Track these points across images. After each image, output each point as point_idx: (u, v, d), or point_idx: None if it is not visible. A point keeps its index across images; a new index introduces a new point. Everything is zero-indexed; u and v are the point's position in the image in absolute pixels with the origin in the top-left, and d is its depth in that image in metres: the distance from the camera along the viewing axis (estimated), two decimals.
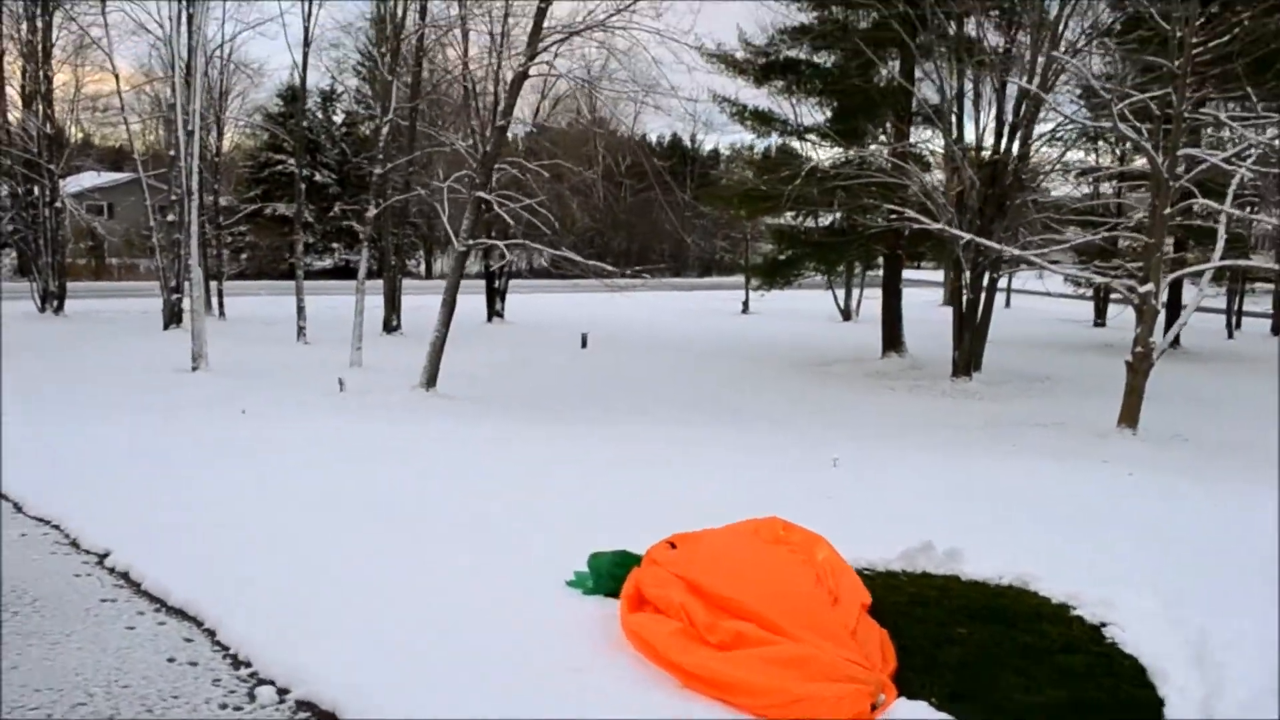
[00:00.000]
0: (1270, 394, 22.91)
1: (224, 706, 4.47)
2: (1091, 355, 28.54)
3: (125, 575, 6.03)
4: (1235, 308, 35.35)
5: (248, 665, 4.86)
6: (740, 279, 37.72)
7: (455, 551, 6.61)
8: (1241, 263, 20.44)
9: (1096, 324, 36.40)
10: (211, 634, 5.20)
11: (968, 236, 17.23)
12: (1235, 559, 7.94)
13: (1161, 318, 17.52)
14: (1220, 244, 15.52)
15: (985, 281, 21.75)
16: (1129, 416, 17.30)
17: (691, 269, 42.94)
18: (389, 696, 4.41)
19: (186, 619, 5.40)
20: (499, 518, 7.61)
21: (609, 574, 5.59)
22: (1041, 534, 8.27)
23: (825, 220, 24.55)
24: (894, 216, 18.44)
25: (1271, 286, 35.67)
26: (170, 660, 4.90)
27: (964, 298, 22.01)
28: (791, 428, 15.59)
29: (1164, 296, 17.54)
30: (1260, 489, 12.13)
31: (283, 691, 4.59)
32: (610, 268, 17.17)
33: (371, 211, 20.45)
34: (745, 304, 35.91)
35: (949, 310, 37.78)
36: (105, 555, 6.36)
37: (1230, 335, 34.22)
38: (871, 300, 35.87)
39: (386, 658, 4.83)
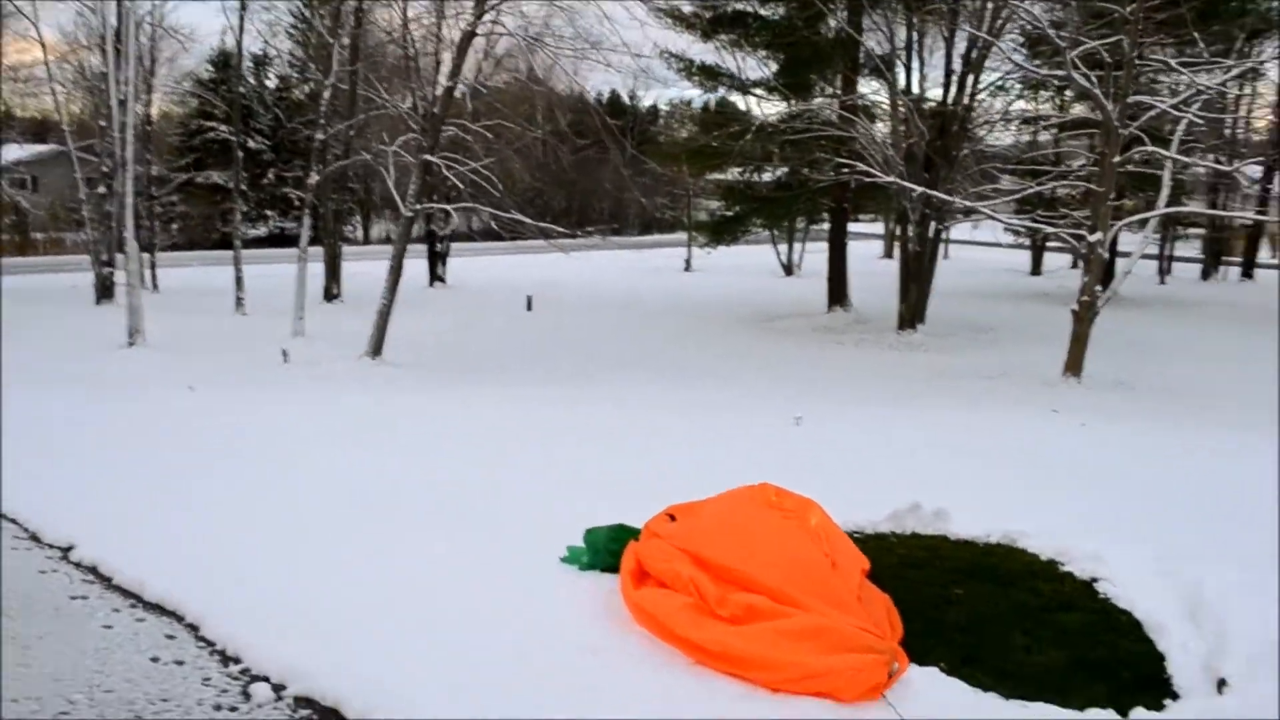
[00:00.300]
0: (1203, 338, 23.46)
1: (218, 707, 4.23)
2: (1031, 304, 28.90)
3: (94, 570, 5.72)
4: (1166, 253, 36.01)
5: (237, 661, 4.62)
6: (682, 236, 37.57)
7: (436, 533, 6.35)
8: (1186, 210, 20.78)
9: (1034, 273, 36.88)
10: (194, 629, 4.94)
11: (920, 189, 17.21)
12: (1204, 505, 7.99)
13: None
14: (1165, 190, 15.68)
15: (930, 233, 21.84)
16: (1074, 364, 17.56)
17: (632, 227, 42.65)
18: (395, 691, 4.21)
19: (166, 614, 5.12)
20: (469, 495, 7.30)
21: (605, 549, 5.43)
22: (1015, 488, 8.27)
23: (771, 175, 24.45)
24: (845, 170, 18.38)
25: (1200, 231, 36.38)
26: (154, 660, 4.64)
27: (909, 250, 22.11)
28: (739, 383, 15.54)
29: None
30: (1213, 431, 12.37)
31: (278, 688, 4.36)
32: (560, 229, 16.89)
33: (313, 178, 19.88)
34: (688, 261, 35.82)
35: (889, 263, 38.15)
36: (69, 549, 6.02)
37: (1162, 280, 34.86)
38: (814, 254, 35.95)
39: (385, 649, 4.62)
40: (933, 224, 21.37)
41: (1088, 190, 17.22)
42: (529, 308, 24.51)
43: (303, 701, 4.27)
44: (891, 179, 17.52)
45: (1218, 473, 9.29)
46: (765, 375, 16.60)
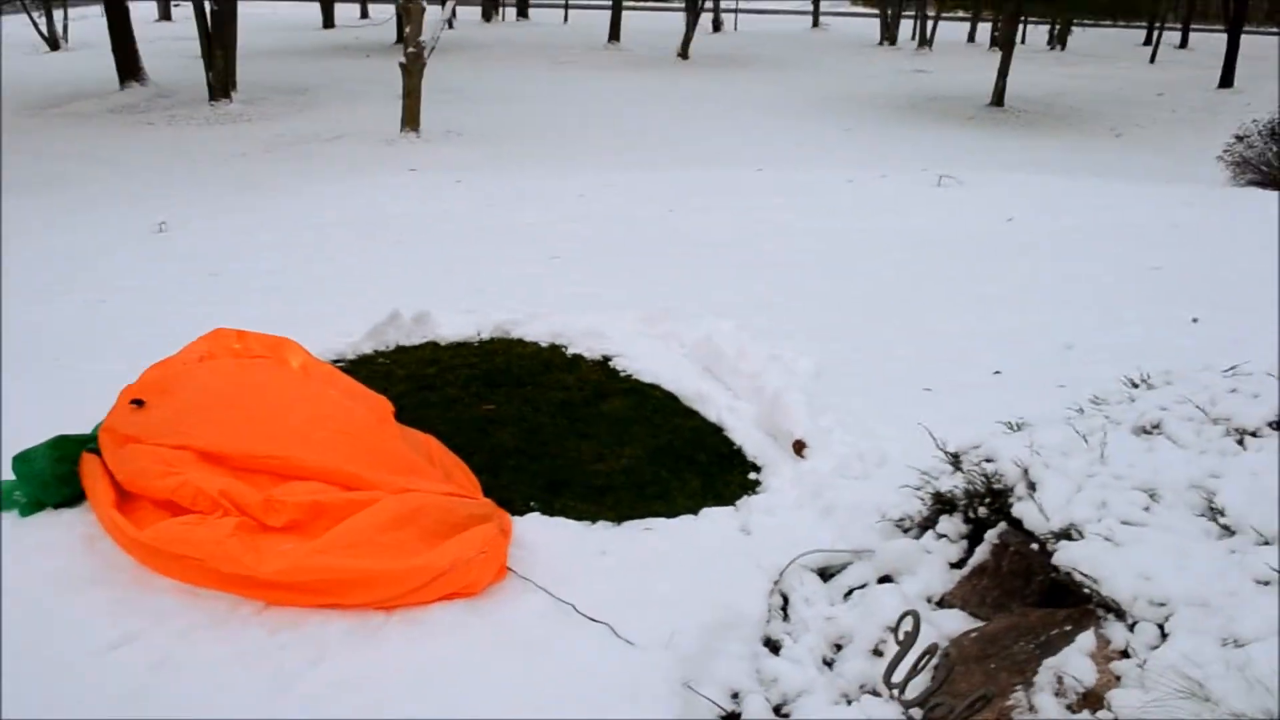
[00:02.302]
0: (494, 79, 24.32)
1: None
2: (334, 60, 27.66)
3: None
4: None
5: None
6: None
7: None
8: None
9: (326, 26, 35.23)
10: None
11: None
12: (642, 247, 8.09)
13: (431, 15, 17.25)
14: None
15: None
16: (411, 119, 17.16)
17: None
18: None
19: None
20: None
21: (54, 476, 3.72)
22: (459, 267, 7.60)
23: None
24: None
25: None
26: None
27: (208, 10, 19.52)
28: (56, 188, 12.62)
29: None
30: (550, 170, 12.78)
31: None
32: None
33: None
34: None
35: (170, 25, 33.95)
36: None
37: (451, 25, 35.26)
38: (80, 23, 30.63)
39: None
40: None
41: None
42: None
43: None
44: None
45: (622, 211, 9.49)
46: (84, 174, 13.68)
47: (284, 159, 15.27)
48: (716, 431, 4.78)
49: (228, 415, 3.84)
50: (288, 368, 4.56)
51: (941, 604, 3.44)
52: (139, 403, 3.93)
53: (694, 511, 4.00)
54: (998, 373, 5.35)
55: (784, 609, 3.45)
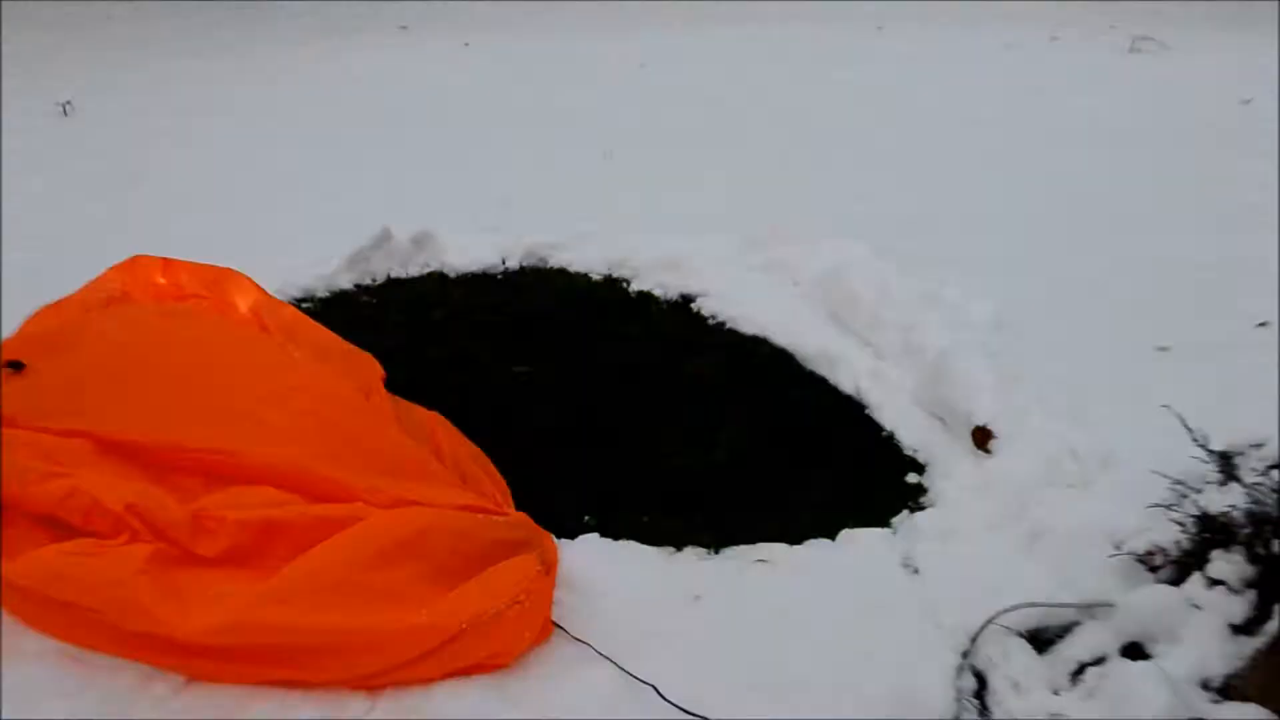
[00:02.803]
0: None
1: None
2: None
3: None
4: None
5: None
6: None
7: None
8: None
9: None
10: None
11: None
12: (698, 132, 7.68)
13: None
14: None
15: None
16: None
17: None
18: None
19: None
20: None
21: None
22: (460, 166, 7.35)
23: None
24: None
25: None
26: None
27: None
28: None
29: None
30: (594, 27, 12.34)
31: None
32: None
33: None
34: None
35: None
36: None
37: None
38: None
39: None
40: None
41: None
42: None
43: None
44: None
45: (697, 85, 9.08)
46: None
47: (229, 10, 14.93)
48: (854, 410, 4.42)
49: (143, 387, 3.54)
50: (233, 314, 4.39)
51: (1224, 692, 2.98)
52: (17, 365, 3.61)
53: (829, 534, 3.65)
54: (1263, 324, 4.86)
55: (979, 696, 3.02)
